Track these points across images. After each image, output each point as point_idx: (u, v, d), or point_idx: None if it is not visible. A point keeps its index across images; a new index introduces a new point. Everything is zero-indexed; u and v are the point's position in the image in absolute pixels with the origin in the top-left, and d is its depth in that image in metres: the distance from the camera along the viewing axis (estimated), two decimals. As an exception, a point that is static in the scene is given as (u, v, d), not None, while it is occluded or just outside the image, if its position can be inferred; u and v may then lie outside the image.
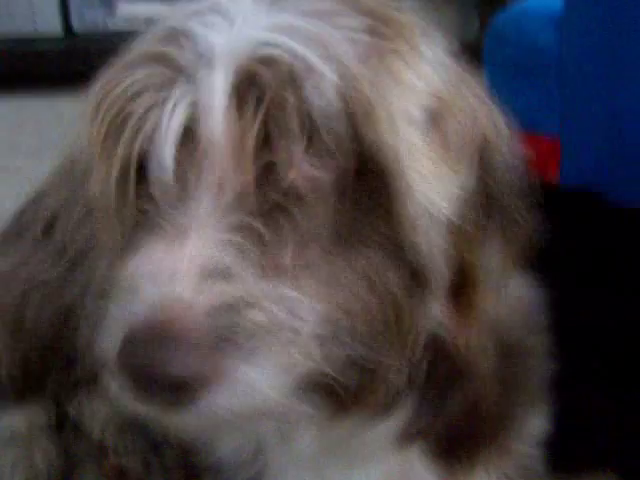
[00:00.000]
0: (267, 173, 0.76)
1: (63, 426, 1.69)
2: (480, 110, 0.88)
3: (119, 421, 1.64)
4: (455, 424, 1.02)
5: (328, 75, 0.75)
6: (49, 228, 1.69)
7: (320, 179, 0.77)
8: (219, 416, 0.71)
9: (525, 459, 1.17)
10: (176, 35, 0.82)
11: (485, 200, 0.87)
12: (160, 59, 0.80)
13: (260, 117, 0.75)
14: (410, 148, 0.78)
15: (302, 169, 0.76)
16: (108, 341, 0.74)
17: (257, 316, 0.70)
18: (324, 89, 0.74)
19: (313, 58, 0.75)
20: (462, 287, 0.87)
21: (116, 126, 0.80)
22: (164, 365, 0.66)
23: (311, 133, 0.75)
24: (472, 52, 0.97)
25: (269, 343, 0.70)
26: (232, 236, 0.72)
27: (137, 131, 0.78)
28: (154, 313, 0.68)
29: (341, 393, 0.78)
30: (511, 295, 1.00)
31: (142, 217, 0.81)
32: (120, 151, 0.80)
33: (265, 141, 0.76)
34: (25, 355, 1.61)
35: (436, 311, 0.86)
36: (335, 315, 0.75)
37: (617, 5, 1.59)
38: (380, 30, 0.82)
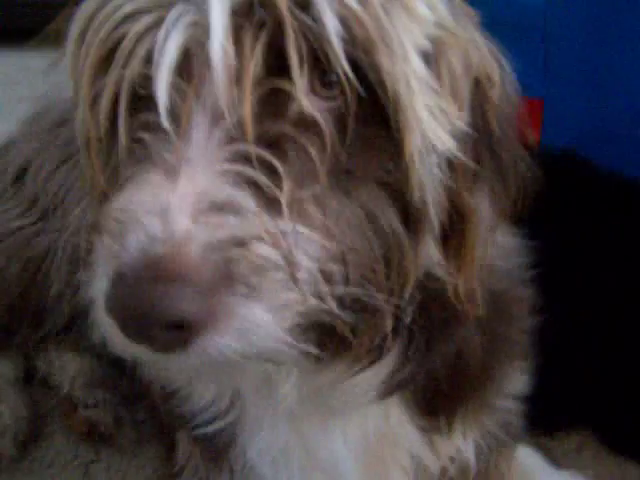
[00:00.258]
0: (272, 100, 0.72)
1: (32, 380, 1.67)
2: (481, 42, 0.85)
3: (88, 375, 1.63)
4: (438, 376, 1.00)
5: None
6: (19, 178, 1.64)
7: (327, 107, 0.73)
8: (216, 357, 0.66)
9: (505, 414, 1.17)
10: None
11: (484, 136, 0.84)
12: None
13: (264, 40, 0.70)
14: (418, 78, 0.75)
15: (310, 97, 0.71)
16: (96, 280, 0.68)
17: (259, 251, 0.65)
18: (336, 12, 0.69)
19: None
20: (457, 227, 0.85)
21: (107, 49, 0.74)
22: (160, 304, 0.61)
23: (318, 59, 0.70)
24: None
25: (271, 279, 0.66)
26: (233, 166, 0.67)
27: (131, 53, 0.72)
28: (148, 249, 0.63)
29: (338, 332, 0.76)
30: (499, 245, 0.99)
31: (134, 148, 0.74)
32: (112, 75, 0.74)
33: (269, 66, 0.71)
34: (-6, 307, 1.57)
35: (432, 251, 0.84)
36: (336, 251, 0.72)
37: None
38: None
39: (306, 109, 0.71)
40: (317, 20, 0.68)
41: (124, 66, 0.73)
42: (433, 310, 0.87)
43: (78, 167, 1.56)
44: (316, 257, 0.70)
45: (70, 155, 1.58)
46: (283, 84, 0.71)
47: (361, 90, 0.71)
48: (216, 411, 1.03)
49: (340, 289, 0.73)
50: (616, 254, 1.44)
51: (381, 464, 1.07)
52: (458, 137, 0.79)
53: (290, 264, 0.67)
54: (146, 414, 1.48)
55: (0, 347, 1.61)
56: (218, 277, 0.63)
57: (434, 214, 0.79)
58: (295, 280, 0.67)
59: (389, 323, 0.80)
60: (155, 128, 0.71)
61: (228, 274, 0.63)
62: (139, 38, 0.71)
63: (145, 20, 0.71)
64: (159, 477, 1.42)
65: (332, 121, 0.73)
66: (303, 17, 0.68)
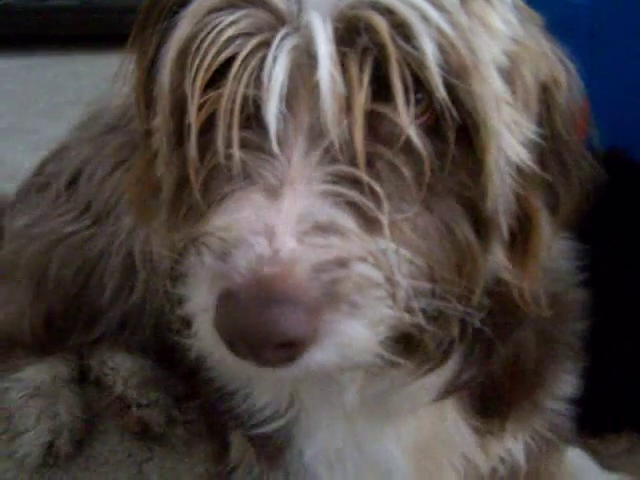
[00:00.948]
0: (369, 123, 0.73)
1: (86, 380, 1.72)
2: (548, 48, 0.86)
3: (141, 376, 1.67)
4: (495, 378, 1.02)
5: (442, 26, 0.71)
6: (72, 183, 1.69)
7: (420, 127, 0.74)
8: (317, 370, 0.69)
9: (555, 416, 1.17)
10: None
11: (550, 141, 0.85)
12: (252, 0, 0.73)
13: (369, 69, 0.71)
14: (497, 97, 0.77)
15: (409, 120, 0.72)
16: (197, 295, 0.71)
17: (362, 271, 0.68)
18: (435, 40, 0.71)
19: (426, 6, 0.71)
20: (523, 232, 0.86)
21: (212, 71, 0.75)
22: (274, 325, 0.64)
23: (418, 84, 0.72)
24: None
25: (371, 297, 0.69)
26: (333, 187, 0.69)
27: (239, 76, 0.73)
28: (258, 269, 0.65)
29: (418, 341, 0.78)
30: (554, 248, 0.98)
31: (227, 164, 0.75)
32: (226, 94, 0.74)
33: (372, 92, 0.72)
34: (49, 309, 1.61)
35: (499, 256, 0.86)
36: (424, 266, 0.75)
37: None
38: None
39: (413, 139, 0.72)
40: (418, 48, 0.70)
41: (234, 87, 0.74)
42: (497, 315, 0.88)
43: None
44: (410, 274, 0.73)
45: (122, 161, 1.63)
46: (386, 110, 0.72)
47: (456, 116, 0.73)
48: (274, 411, 1.05)
49: (428, 302, 0.75)
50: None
51: (433, 464, 1.08)
52: (529, 146, 0.81)
53: (391, 283, 0.70)
54: (198, 414, 1.51)
55: (55, 348, 1.67)
56: (324, 297, 0.65)
57: (503, 221, 0.81)
58: (394, 298, 0.70)
59: (456, 328, 0.83)
60: (252, 147, 0.72)
61: (332, 293, 0.66)
62: (246, 61, 0.72)
63: (251, 43, 0.72)
64: (211, 476, 1.45)
65: (429, 146, 0.74)
66: (405, 46, 0.70)
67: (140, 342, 1.64)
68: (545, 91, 0.84)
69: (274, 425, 1.05)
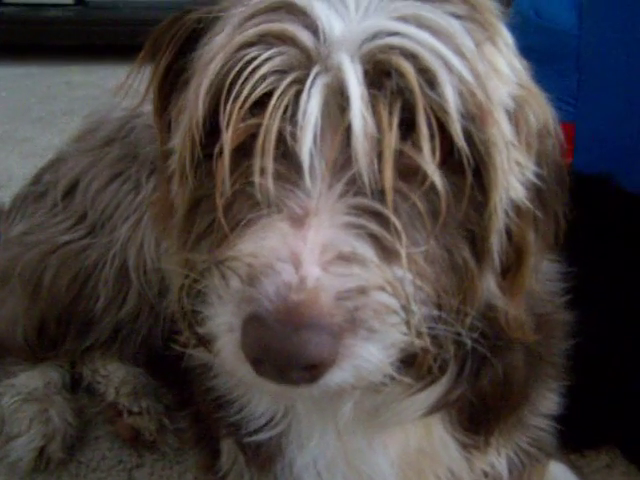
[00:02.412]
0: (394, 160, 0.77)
1: (78, 387, 1.74)
2: (542, 96, 0.90)
3: (132, 384, 1.69)
4: (483, 396, 1.05)
5: (464, 74, 0.75)
6: (69, 193, 1.71)
7: (440, 170, 0.78)
8: (334, 389, 0.74)
9: (538, 432, 1.21)
10: (290, 10, 0.79)
11: (542, 184, 0.89)
12: (282, 38, 0.77)
13: (398, 112, 0.75)
14: (506, 140, 0.81)
15: (434, 166, 0.77)
16: (219, 317, 0.75)
17: (381, 299, 0.72)
18: (458, 88, 0.75)
19: (449, 54, 0.75)
20: (514, 262, 0.90)
21: (249, 105, 0.77)
22: (301, 349, 0.68)
23: (440, 127, 0.76)
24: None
25: (387, 323, 0.73)
26: (355, 219, 0.73)
27: (276, 110, 0.76)
28: (285, 295, 0.68)
29: (422, 361, 0.82)
30: (541, 272, 1.03)
31: (251, 191, 0.78)
32: (263, 129, 0.76)
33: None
34: (42, 317, 1.63)
35: (492, 285, 0.90)
36: (432, 293, 0.80)
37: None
38: (474, 16, 0.82)
39: (436, 181, 0.77)
40: (441, 96, 0.74)
41: (271, 122, 0.76)
42: (488, 337, 0.92)
43: (127, 184, 1.64)
44: (421, 301, 0.78)
45: (119, 173, 1.66)
46: (410, 152, 0.77)
47: (472, 160, 0.78)
48: (269, 420, 1.08)
49: (434, 327, 0.81)
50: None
51: (419, 477, 1.12)
52: (526, 185, 0.86)
53: (406, 310, 0.75)
54: (188, 422, 1.53)
55: (48, 355, 1.68)
56: (345, 322, 0.70)
57: (497, 252, 0.87)
58: (408, 324, 0.75)
59: (451, 349, 0.87)
60: (278, 176, 0.76)
61: (353, 319, 0.70)
62: (281, 97, 0.76)
63: (286, 81, 0.76)
64: (202, 484, 1.47)
65: (447, 184, 0.79)
66: (430, 93, 0.74)
67: (132, 351, 1.67)
68: (540, 136, 0.88)
69: (267, 434, 1.08)
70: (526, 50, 0.94)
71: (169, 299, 1.29)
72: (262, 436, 1.09)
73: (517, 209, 0.86)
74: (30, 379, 1.65)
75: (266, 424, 1.08)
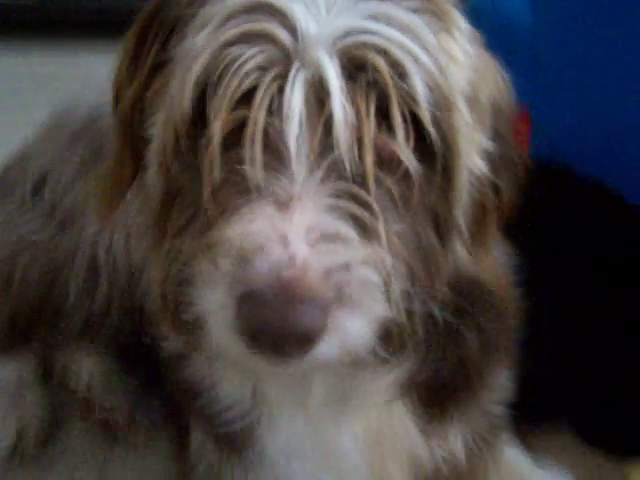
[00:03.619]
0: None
1: (49, 382, 1.73)
2: (493, 66, 0.97)
3: (104, 379, 1.71)
4: (443, 379, 1.11)
5: (429, 66, 0.82)
6: (37, 189, 1.71)
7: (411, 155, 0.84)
8: (322, 363, 0.79)
9: (493, 416, 1.26)
10: (268, 10, 0.84)
11: (497, 155, 0.96)
12: (263, 37, 0.82)
13: (374, 99, 0.81)
14: (466, 125, 0.88)
15: (408, 152, 0.83)
16: (210, 298, 0.79)
17: (363, 275, 0.78)
18: (425, 80, 0.82)
19: (415, 48, 0.82)
20: (479, 229, 0.98)
21: (234, 100, 0.82)
22: (296, 321, 0.72)
23: (411, 116, 0.82)
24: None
25: (368, 297, 0.79)
26: (337, 202, 0.79)
27: (261, 104, 0.81)
28: (278, 272, 0.73)
29: (398, 337, 0.88)
30: (495, 259, 1.11)
31: (237, 179, 0.82)
32: (251, 121, 0.81)
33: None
34: (13, 311, 1.65)
35: (461, 252, 0.97)
36: (406, 270, 0.86)
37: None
38: (429, 8, 0.88)
39: (410, 168, 0.84)
40: (411, 87, 0.82)
41: (257, 114, 0.82)
42: (462, 316, 1.00)
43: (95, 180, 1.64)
44: (399, 277, 0.84)
45: (89, 167, 1.65)
46: (387, 139, 0.83)
47: (440, 146, 0.85)
48: (240, 409, 1.12)
49: (409, 303, 0.87)
50: (598, 263, 1.52)
51: (383, 460, 1.17)
52: (486, 157, 0.94)
53: (387, 285, 0.81)
54: (159, 416, 1.56)
55: (19, 350, 1.69)
56: (333, 296, 0.75)
57: (462, 222, 0.94)
58: (389, 298, 0.82)
59: (422, 326, 0.93)
60: (262, 165, 0.81)
61: (340, 294, 0.76)
62: (267, 90, 0.81)
63: (269, 76, 0.81)
64: (172, 475, 1.50)
65: (418, 169, 0.85)
66: (401, 84, 0.81)
67: (103, 346, 1.69)
68: (493, 104, 0.96)
69: (239, 424, 1.13)
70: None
71: (142, 292, 1.34)
72: (234, 426, 1.13)
73: (478, 179, 0.94)
74: (2, 372, 1.66)
75: (237, 413, 1.12)
